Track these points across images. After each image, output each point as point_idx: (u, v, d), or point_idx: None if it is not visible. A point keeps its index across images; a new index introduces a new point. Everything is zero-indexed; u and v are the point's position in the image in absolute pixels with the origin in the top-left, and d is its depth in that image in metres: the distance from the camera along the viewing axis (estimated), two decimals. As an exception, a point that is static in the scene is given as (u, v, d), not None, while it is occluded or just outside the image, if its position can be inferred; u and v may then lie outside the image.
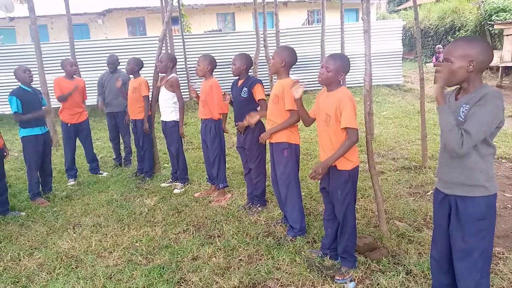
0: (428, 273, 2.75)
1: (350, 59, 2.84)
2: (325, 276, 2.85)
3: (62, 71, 5.36)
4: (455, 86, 2.10)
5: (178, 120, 4.88)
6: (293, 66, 3.42)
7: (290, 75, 3.42)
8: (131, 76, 5.32)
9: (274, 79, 9.03)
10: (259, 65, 10.01)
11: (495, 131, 1.97)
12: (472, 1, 15.24)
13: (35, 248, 3.58)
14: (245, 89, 3.85)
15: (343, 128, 2.67)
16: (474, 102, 1.93)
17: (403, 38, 12.46)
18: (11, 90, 4.52)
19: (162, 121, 4.96)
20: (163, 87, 4.79)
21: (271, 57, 3.45)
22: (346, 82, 9.55)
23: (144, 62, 5.38)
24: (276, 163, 3.49)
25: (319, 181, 2.99)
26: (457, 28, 14.96)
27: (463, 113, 1.97)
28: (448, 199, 2.14)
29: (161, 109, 4.92)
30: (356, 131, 2.68)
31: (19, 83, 4.57)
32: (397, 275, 2.78)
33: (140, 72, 5.30)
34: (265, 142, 3.65)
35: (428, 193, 4.32)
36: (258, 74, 9.98)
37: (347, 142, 2.67)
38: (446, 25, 15.51)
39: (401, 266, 2.91)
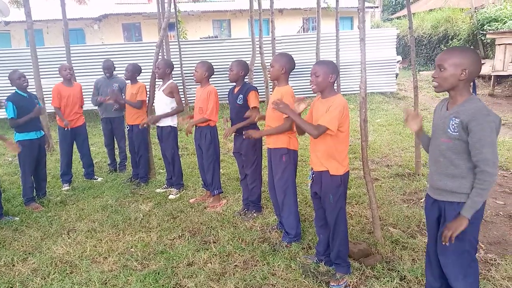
0: (422, 279, 2.78)
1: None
2: (320, 282, 2.88)
3: (58, 75, 5.37)
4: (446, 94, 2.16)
5: (174, 125, 4.90)
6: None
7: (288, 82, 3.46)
8: (127, 81, 5.34)
9: (270, 86, 9.09)
10: (254, 72, 10.06)
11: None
12: (465, 10, 15.48)
13: (29, 253, 3.56)
14: (240, 96, 3.88)
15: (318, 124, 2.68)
16: (464, 118, 1.97)
17: (397, 46, 12.57)
18: (6, 94, 4.52)
19: (157, 126, 4.97)
20: (161, 93, 4.80)
21: (269, 65, 3.48)
22: (341, 90, 9.62)
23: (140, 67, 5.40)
24: (274, 168, 3.51)
25: (309, 186, 3.01)
26: (450, 37, 15.15)
27: (453, 126, 2.03)
28: (437, 204, 2.20)
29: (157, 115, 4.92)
30: (324, 129, 2.66)
31: (15, 88, 4.57)
32: (391, 281, 2.81)
33: (137, 77, 5.32)
34: (255, 138, 3.67)
35: (421, 200, 4.35)
36: (254, 81, 10.03)
37: (316, 132, 2.68)
38: (439, 34, 15.70)
39: (395, 272, 2.94)
